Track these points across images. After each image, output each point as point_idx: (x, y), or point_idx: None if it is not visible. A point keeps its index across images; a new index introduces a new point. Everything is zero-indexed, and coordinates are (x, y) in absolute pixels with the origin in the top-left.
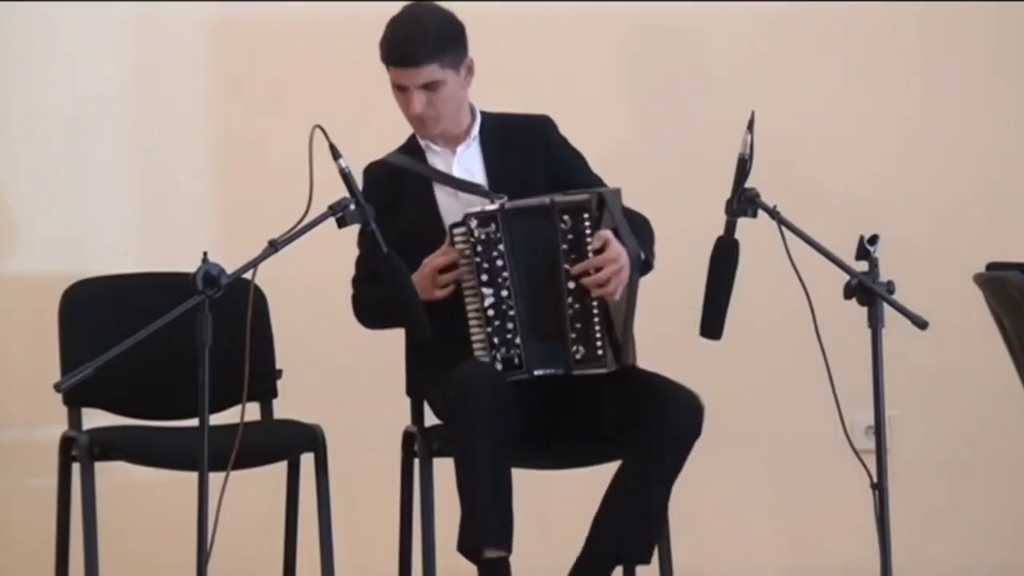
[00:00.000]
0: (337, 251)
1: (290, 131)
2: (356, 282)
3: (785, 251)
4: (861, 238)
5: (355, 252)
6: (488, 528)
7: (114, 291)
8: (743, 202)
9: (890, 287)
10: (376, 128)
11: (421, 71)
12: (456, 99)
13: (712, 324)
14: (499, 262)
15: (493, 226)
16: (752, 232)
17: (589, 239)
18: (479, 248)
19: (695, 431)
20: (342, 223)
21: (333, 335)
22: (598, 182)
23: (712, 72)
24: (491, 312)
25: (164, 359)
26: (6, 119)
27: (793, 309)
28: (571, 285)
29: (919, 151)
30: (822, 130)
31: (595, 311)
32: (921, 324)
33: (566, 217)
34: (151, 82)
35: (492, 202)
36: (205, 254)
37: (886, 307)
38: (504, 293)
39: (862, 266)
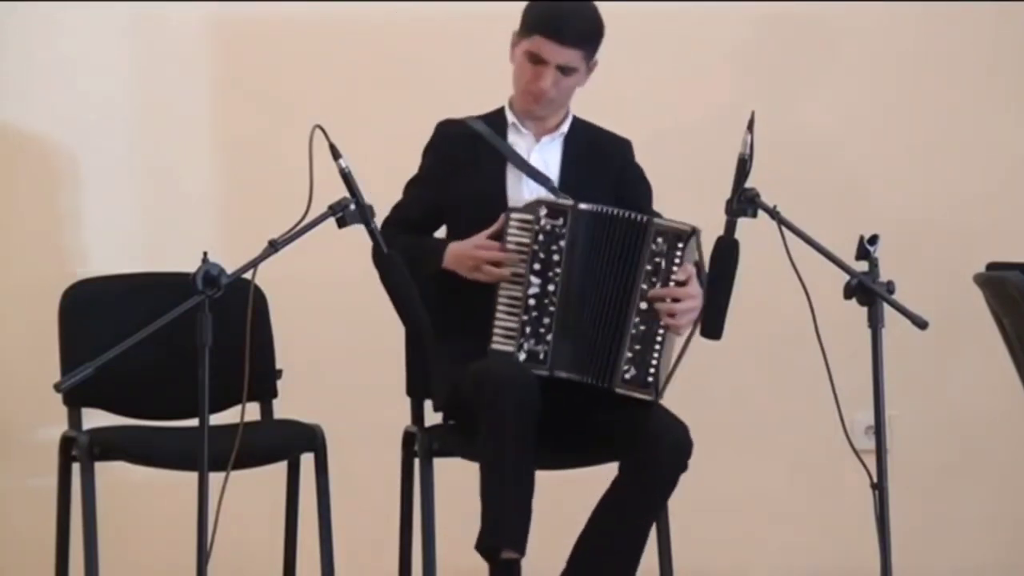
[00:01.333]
0: (337, 251)
1: (290, 131)
2: (387, 223)
3: (785, 251)
4: (861, 238)
5: (353, 251)
6: (509, 531)
7: (114, 291)
8: (743, 202)
9: (890, 287)
10: (376, 128)
11: (568, 51)
12: (572, 91)
13: (712, 324)
14: (555, 256)
15: (561, 220)
16: (752, 232)
17: (676, 268)
18: (540, 237)
19: (678, 471)
20: (342, 223)
21: (333, 335)
22: (656, 215)
23: (713, 67)
24: (532, 302)
25: (164, 359)
26: (6, 119)
27: (793, 309)
28: (643, 306)
29: (919, 151)
30: (823, 130)
31: (659, 340)
32: (921, 324)
33: (660, 239)
34: (151, 82)
35: (566, 199)
36: (205, 254)
37: (886, 307)
38: (551, 288)
39: (862, 266)
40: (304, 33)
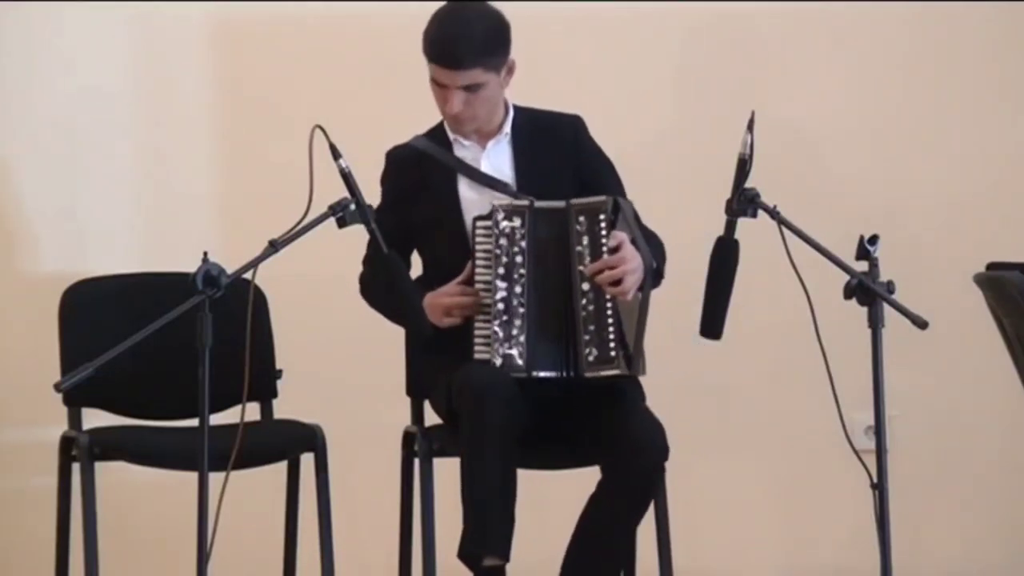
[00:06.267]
0: (337, 251)
1: (290, 131)
2: (367, 261)
3: (785, 251)
4: (861, 238)
5: (354, 251)
6: (491, 537)
7: (114, 291)
8: (743, 202)
9: (890, 287)
10: (376, 128)
11: (464, 74)
12: (494, 99)
13: (712, 324)
14: (518, 258)
15: (519, 221)
16: (752, 232)
17: (604, 240)
18: (501, 241)
19: (655, 477)
20: (342, 223)
21: (333, 335)
22: (621, 189)
23: (717, 70)
24: (501, 306)
25: (164, 359)
26: (6, 118)
27: (793, 309)
28: (585, 287)
29: (919, 151)
30: (822, 130)
31: (609, 313)
32: (921, 324)
33: (582, 219)
34: (151, 82)
35: (522, 199)
36: (205, 254)
37: (886, 307)
38: (518, 290)
39: (862, 266)
40: (304, 33)
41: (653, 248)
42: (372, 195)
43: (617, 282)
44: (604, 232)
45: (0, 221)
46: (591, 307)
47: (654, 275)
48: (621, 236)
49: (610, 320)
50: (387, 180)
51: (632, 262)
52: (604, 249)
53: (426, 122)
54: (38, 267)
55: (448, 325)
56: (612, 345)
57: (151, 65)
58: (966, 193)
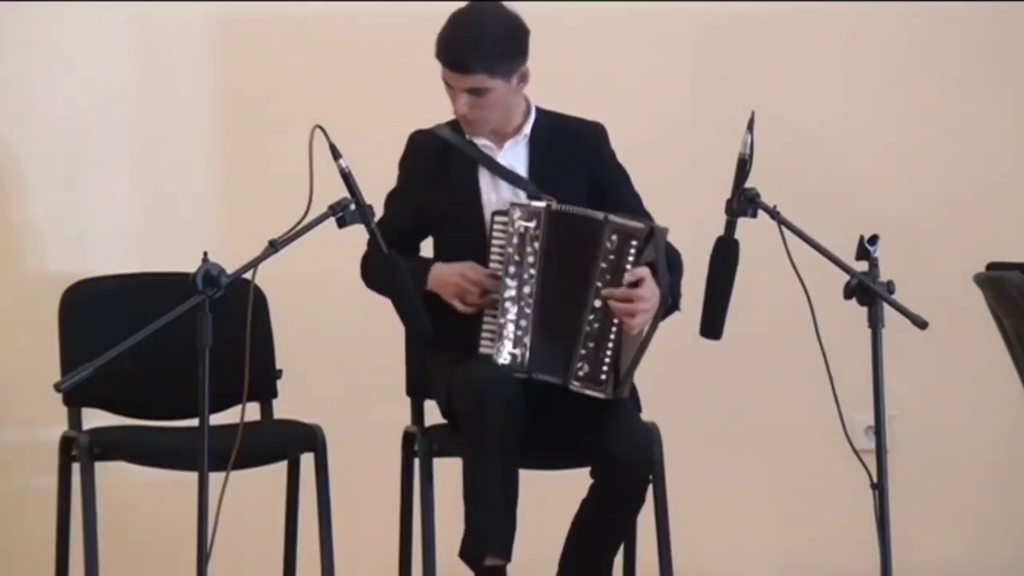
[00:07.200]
0: (337, 251)
1: (290, 131)
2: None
3: (785, 251)
4: (861, 238)
5: (354, 251)
6: (492, 537)
7: (114, 291)
8: (743, 202)
9: (890, 287)
10: (375, 128)
11: (468, 78)
12: (503, 105)
13: (712, 324)
14: (531, 258)
15: (535, 222)
16: (752, 232)
17: (629, 267)
18: (515, 239)
19: (642, 488)
20: (342, 223)
21: (333, 335)
22: (637, 201)
23: (716, 70)
24: (508, 304)
25: (164, 359)
26: (6, 119)
27: (793, 309)
28: (597, 303)
29: (919, 151)
30: (822, 130)
31: (612, 336)
32: (921, 324)
33: (615, 237)
34: (152, 82)
35: (540, 200)
36: (205, 254)
37: (886, 307)
38: (527, 290)
39: (862, 266)
40: (304, 33)
41: (673, 273)
42: (372, 195)
43: (629, 314)
44: (631, 259)
45: (0, 221)
46: (596, 325)
47: (668, 308)
48: (642, 273)
49: (611, 344)
50: (406, 163)
51: (649, 301)
52: (624, 281)
53: (426, 122)
54: (38, 267)
55: (461, 309)
56: (605, 368)
57: (151, 65)
58: (966, 193)
